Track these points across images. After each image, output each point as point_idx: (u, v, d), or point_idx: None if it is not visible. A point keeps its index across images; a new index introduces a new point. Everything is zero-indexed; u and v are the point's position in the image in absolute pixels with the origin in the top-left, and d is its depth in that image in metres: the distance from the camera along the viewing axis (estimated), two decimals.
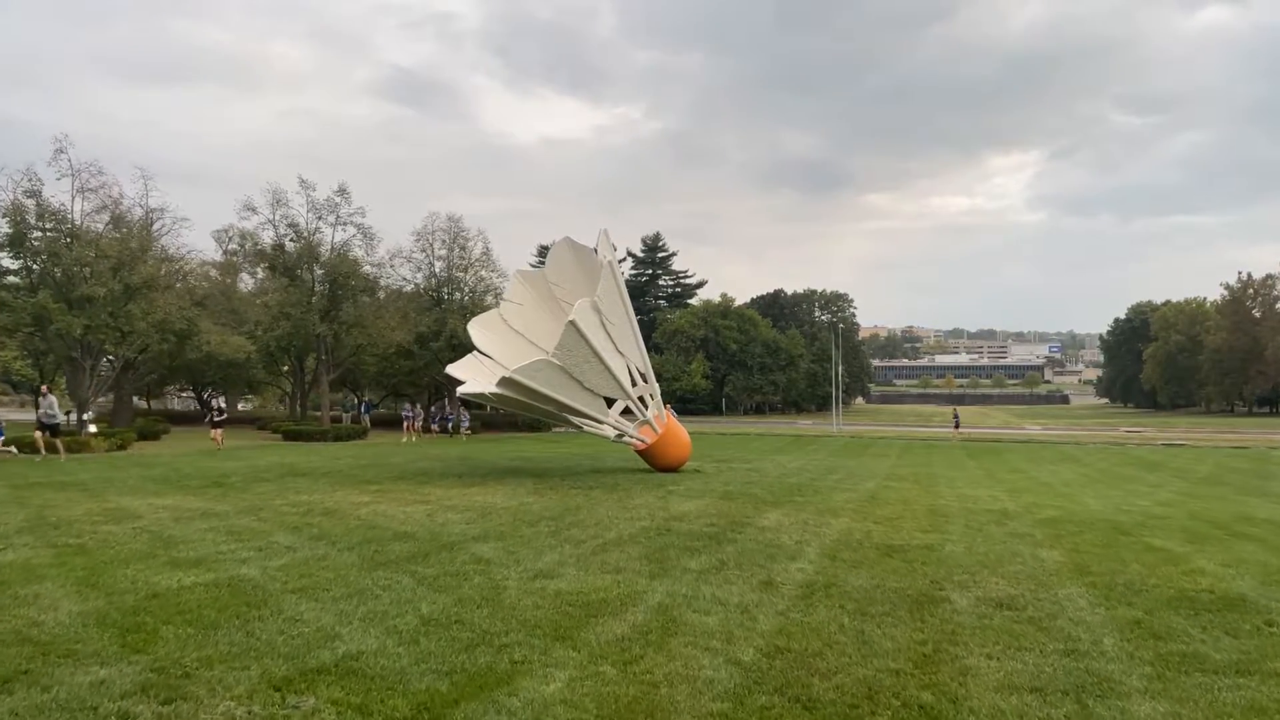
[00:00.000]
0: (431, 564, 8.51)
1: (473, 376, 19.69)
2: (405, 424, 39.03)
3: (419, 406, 44.37)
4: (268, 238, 38.65)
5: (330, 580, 7.71)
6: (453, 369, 20.51)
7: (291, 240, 38.28)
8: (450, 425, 42.17)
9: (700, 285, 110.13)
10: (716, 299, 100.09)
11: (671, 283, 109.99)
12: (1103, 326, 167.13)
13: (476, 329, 20.89)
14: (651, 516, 12.22)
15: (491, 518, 11.83)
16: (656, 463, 20.07)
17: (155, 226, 34.18)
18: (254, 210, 37.59)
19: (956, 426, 52.94)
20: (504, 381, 17.13)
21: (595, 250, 19.80)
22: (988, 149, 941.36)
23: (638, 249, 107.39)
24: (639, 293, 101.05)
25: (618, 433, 19.88)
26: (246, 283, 47.84)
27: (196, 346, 40.36)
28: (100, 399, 38.76)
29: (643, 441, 19.85)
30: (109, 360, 32.55)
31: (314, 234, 38.64)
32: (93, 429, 27.44)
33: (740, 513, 12.85)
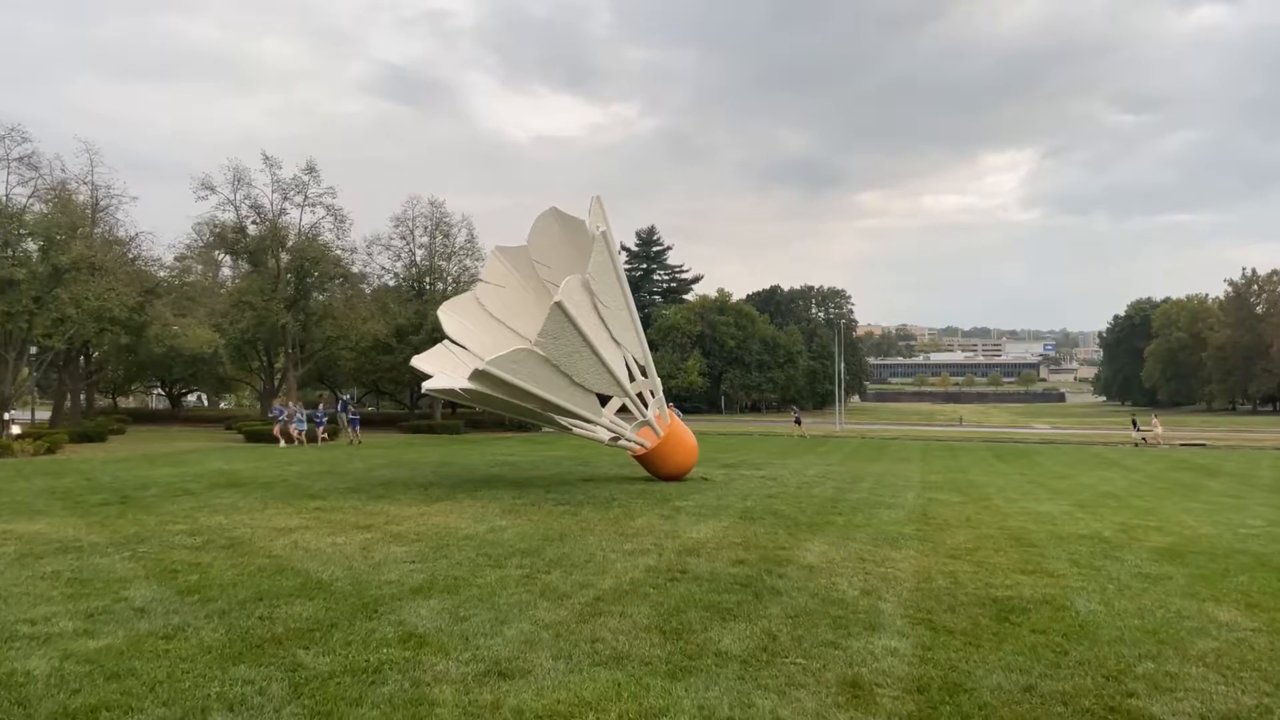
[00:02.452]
0: (334, 644, 5.60)
1: (442, 370, 16.77)
2: (275, 426, 30.02)
3: (293, 404, 33.51)
4: (228, 220, 35.16)
5: (153, 684, 4.79)
6: (419, 361, 17.56)
7: (254, 223, 35.01)
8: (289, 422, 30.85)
9: (696, 280, 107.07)
10: (713, 294, 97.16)
11: (666, 277, 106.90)
12: (1096, 325, 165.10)
13: (448, 315, 17.96)
14: (659, 549, 9.33)
15: (446, 553, 8.91)
16: (658, 470, 17.19)
17: (103, 207, 31.01)
18: (212, 189, 34.30)
19: (798, 422, 49.57)
20: (477, 375, 14.18)
21: (587, 222, 16.85)
22: (981, 147, 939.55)
23: (632, 243, 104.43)
24: (633, 288, 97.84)
25: (613, 435, 16.99)
26: (228, 277, 44.74)
27: (160, 340, 37.30)
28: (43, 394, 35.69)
29: (642, 446, 16.97)
30: (35, 352, 29.24)
31: (280, 215, 35.35)
32: (16, 430, 24.43)
33: (772, 541, 9.98)
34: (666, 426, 17.06)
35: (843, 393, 67.29)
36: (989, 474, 22.23)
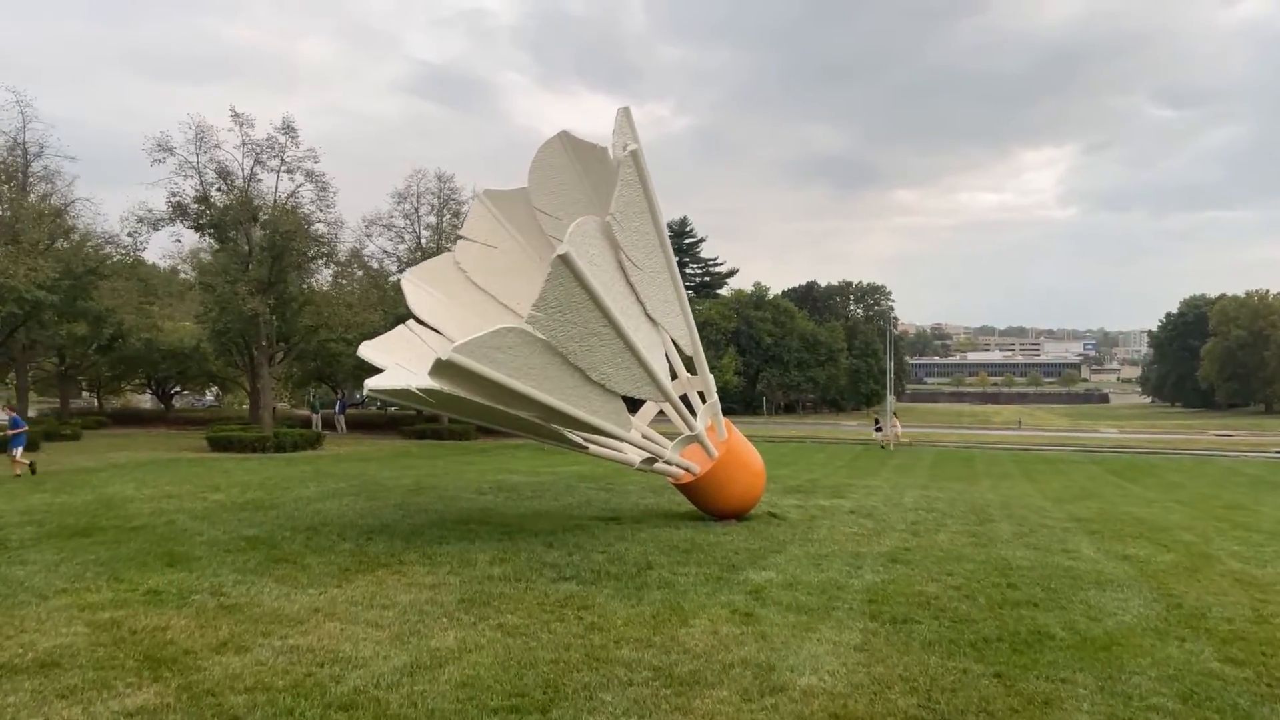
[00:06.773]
0: None
1: (400, 362, 11.70)
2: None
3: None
4: (190, 188, 29.99)
5: None
6: (368, 349, 12.50)
7: (220, 190, 29.98)
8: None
9: (731, 274, 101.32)
10: (749, 289, 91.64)
11: (700, 271, 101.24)
12: (1136, 324, 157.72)
13: (414, 285, 12.91)
14: None
15: None
16: (710, 504, 12.01)
17: (42, 175, 26.31)
18: (170, 151, 29.16)
19: None
20: (440, 368, 9.01)
21: (611, 148, 11.62)
22: (1018, 144, 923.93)
23: None
24: None
25: (647, 457, 11.81)
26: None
27: (134, 332, 32.78)
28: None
29: (690, 472, 11.77)
30: None
31: (252, 182, 30.04)
32: None
33: (979, 710, 4.76)
34: (722, 444, 11.86)
35: (891, 394, 61.54)
36: (1137, 502, 16.82)
